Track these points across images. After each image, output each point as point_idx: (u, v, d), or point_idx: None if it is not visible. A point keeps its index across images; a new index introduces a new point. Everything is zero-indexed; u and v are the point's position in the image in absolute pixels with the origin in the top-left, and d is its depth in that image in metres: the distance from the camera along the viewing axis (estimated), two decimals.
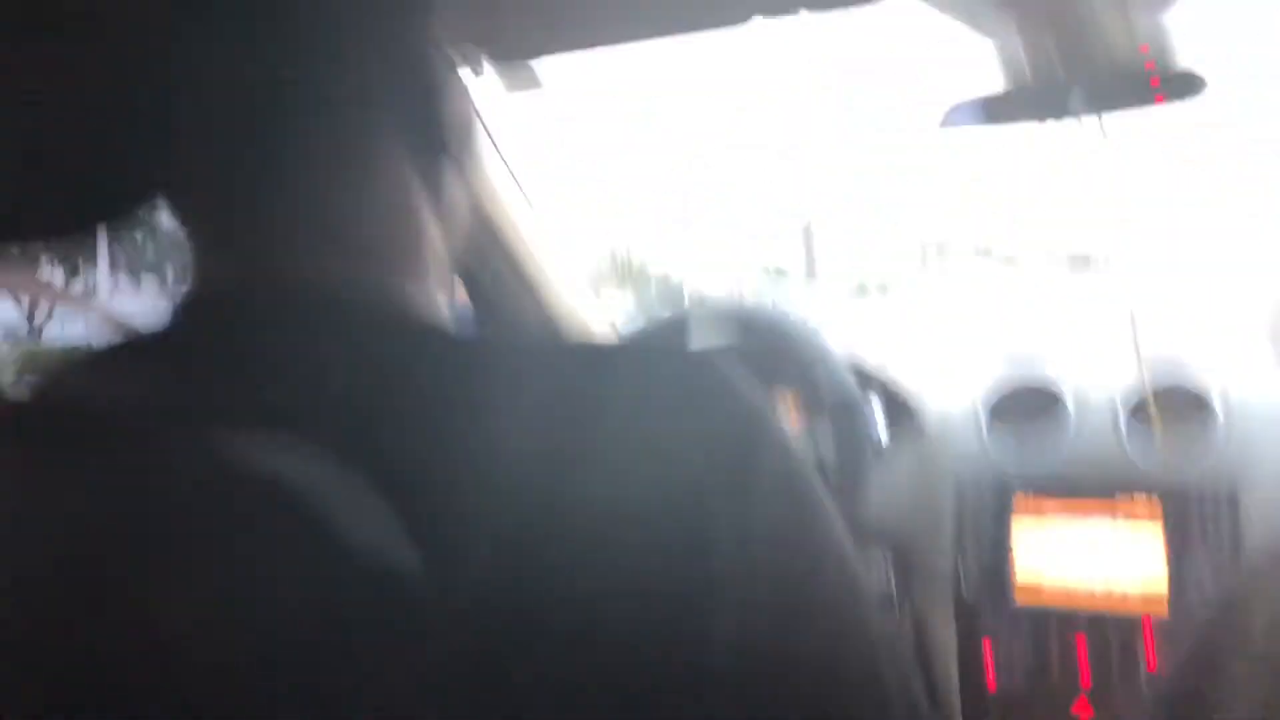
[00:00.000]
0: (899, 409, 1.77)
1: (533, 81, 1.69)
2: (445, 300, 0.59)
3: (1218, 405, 1.61)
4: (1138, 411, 1.64)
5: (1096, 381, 1.72)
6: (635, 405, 0.50)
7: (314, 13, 0.53)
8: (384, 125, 0.56)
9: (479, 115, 1.51)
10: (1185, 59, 1.15)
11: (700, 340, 1.55)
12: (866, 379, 1.61)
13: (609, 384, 0.51)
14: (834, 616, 0.51)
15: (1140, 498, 1.57)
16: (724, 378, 0.53)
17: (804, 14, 1.13)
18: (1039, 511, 1.64)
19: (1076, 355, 1.92)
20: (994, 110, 1.27)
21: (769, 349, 1.52)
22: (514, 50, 1.36)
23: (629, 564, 0.46)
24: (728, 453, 0.50)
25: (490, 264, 1.58)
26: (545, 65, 1.48)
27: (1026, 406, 1.74)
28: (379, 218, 0.55)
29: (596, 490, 0.47)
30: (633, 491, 0.48)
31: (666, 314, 1.67)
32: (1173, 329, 1.73)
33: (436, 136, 0.59)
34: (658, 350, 0.56)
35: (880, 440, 1.71)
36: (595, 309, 1.81)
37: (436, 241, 0.59)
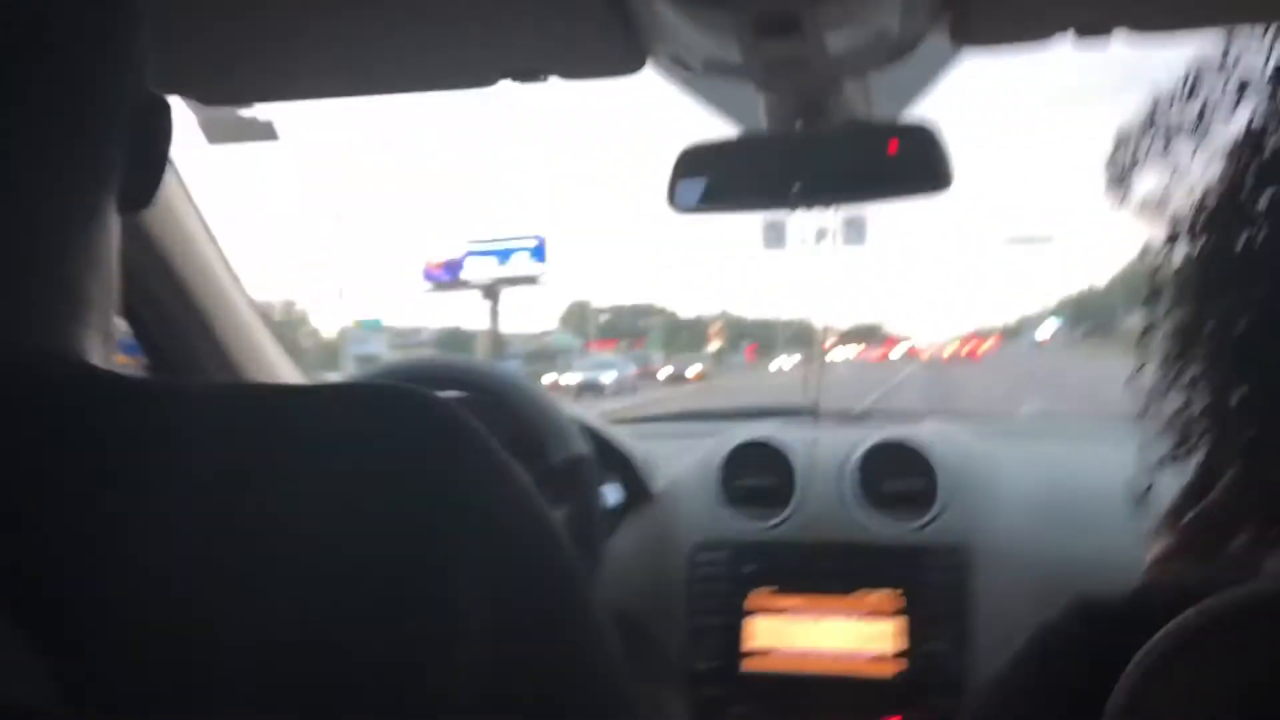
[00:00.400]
0: (628, 471, 1.76)
1: (253, 131, 1.61)
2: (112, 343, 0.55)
3: (936, 465, 1.72)
4: (862, 472, 1.73)
5: (821, 443, 1.80)
6: (368, 439, 0.50)
7: (33, 48, 0.49)
8: (92, 165, 0.52)
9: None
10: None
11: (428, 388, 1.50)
12: (593, 438, 1.61)
13: (336, 418, 0.50)
14: (573, 653, 0.54)
15: (881, 593, 1.62)
16: (455, 415, 0.53)
17: (553, 80, 1.14)
18: (775, 606, 1.66)
19: (800, 420, 2.02)
20: (721, 192, 1.27)
21: (501, 401, 1.49)
22: (236, 95, 1.29)
23: (359, 611, 0.45)
24: (466, 492, 0.51)
25: (169, 307, 1.46)
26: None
27: (756, 471, 1.78)
28: (70, 260, 0.51)
29: (329, 527, 0.46)
30: (365, 532, 0.47)
31: (383, 365, 1.63)
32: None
33: (141, 180, 0.56)
34: (387, 386, 0.55)
35: (609, 502, 1.70)
36: (287, 362, 1.72)
37: (114, 283, 0.56)
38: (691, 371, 49.35)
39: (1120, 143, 0.56)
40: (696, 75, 1.13)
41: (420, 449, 0.51)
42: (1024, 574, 1.57)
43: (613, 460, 1.73)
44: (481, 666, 0.47)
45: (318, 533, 0.46)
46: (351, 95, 1.29)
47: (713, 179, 1.25)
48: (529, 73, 1.13)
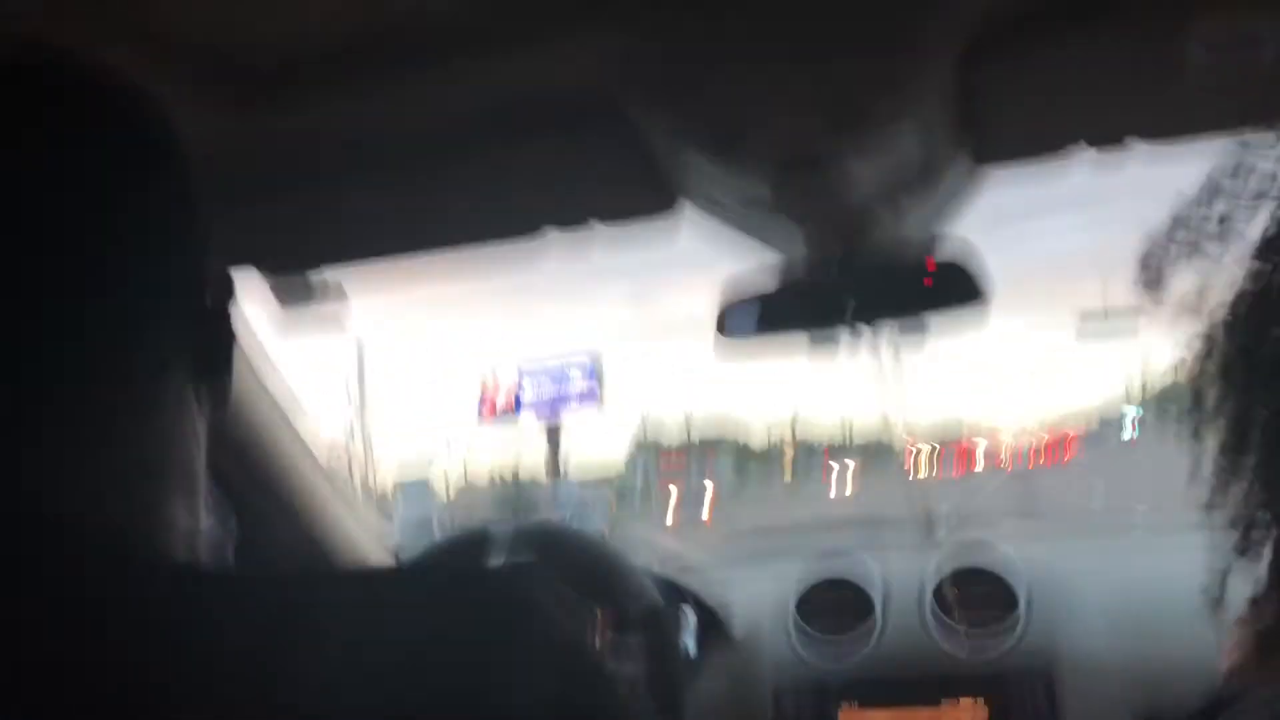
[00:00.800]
0: (707, 618, 1.75)
1: (311, 293, 1.69)
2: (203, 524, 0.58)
3: (1016, 583, 1.69)
4: (941, 597, 1.70)
5: (898, 568, 1.78)
6: (452, 627, 0.50)
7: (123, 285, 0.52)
8: (173, 364, 0.55)
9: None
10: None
11: (496, 558, 1.52)
12: (670, 589, 1.62)
13: (419, 605, 0.51)
14: None
15: (965, 701, 1.60)
16: (538, 598, 0.53)
17: (596, 225, 1.20)
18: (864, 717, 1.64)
19: (877, 544, 2.00)
20: (771, 318, 1.31)
21: (570, 563, 1.51)
22: (298, 261, 1.36)
23: None
24: (547, 679, 0.50)
25: (259, 485, 1.52)
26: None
27: (834, 603, 1.76)
28: (159, 446, 0.54)
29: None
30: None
31: (457, 533, 1.64)
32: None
33: (214, 364, 0.59)
34: (467, 570, 0.56)
35: (690, 652, 1.69)
36: (372, 527, 1.76)
37: (201, 464, 0.58)
38: None
39: (1151, 244, 0.58)
40: (731, 212, 1.18)
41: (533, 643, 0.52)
42: (1113, 691, 1.54)
43: (690, 607, 1.73)
44: None
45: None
46: (408, 254, 1.36)
47: (762, 307, 1.29)
48: (573, 221, 1.19)
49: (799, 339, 1.33)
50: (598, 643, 1.42)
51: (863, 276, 1.26)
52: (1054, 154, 1.07)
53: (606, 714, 0.53)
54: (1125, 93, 0.97)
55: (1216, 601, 0.80)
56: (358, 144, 1.04)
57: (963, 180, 1.25)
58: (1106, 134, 1.03)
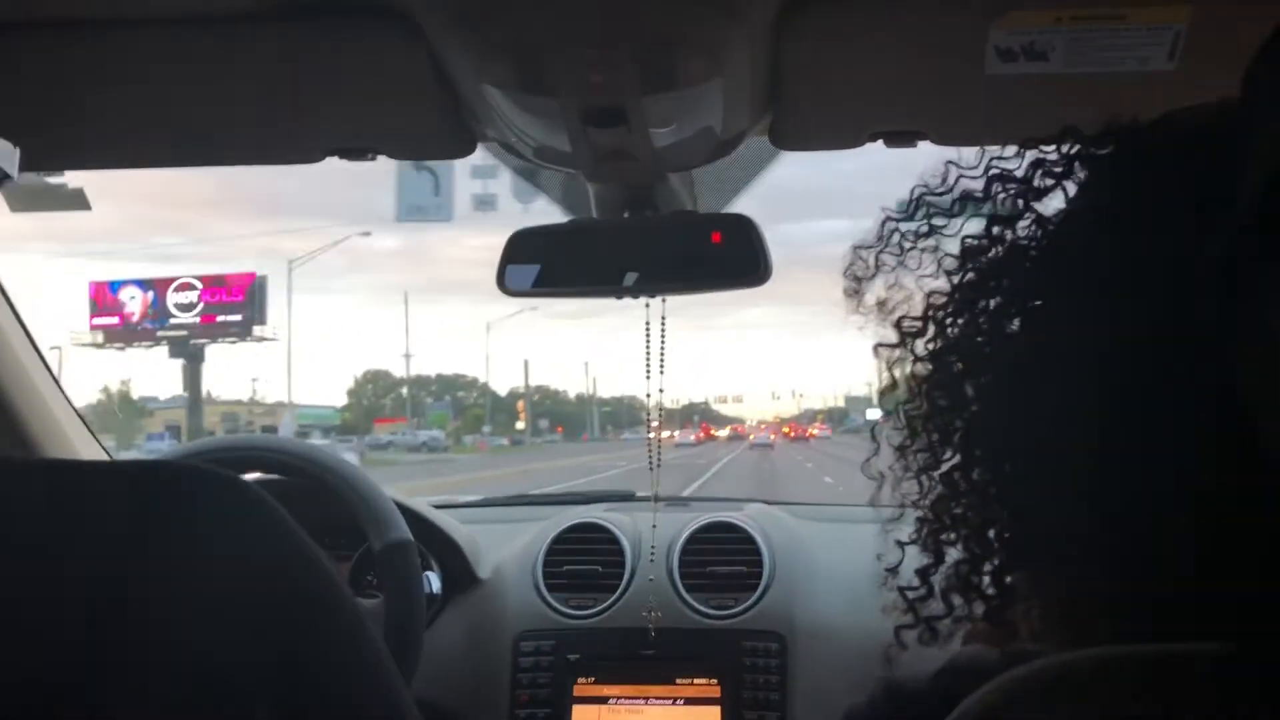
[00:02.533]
0: (452, 556, 1.73)
1: (62, 199, 1.55)
2: None
3: (760, 543, 1.75)
4: (691, 553, 1.74)
5: (651, 521, 1.81)
6: (176, 522, 0.51)
7: None
8: None
9: None
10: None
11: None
12: (416, 522, 1.58)
13: (144, 498, 0.52)
14: None
15: (700, 681, 1.64)
16: (261, 503, 0.55)
17: (375, 159, 1.14)
18: (599, 695, 1.65)
19: (629, 498, 2.03)
20: (552, 276, 1.27)
21: (310, 487, 1.45)
22: (53, 160, 1.24)
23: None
24: (261, 579, 0.52)
25: None
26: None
27: (584, 554, 1.77)
28: None
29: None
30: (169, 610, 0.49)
31: (197, 444, 1.57)
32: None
33: None
34: (194, 469, 0.55)
35: (430, 589, 1.67)
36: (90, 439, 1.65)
37: None
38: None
39: (856, 253, 0.61)
40: (527, 161, 1.15)
41: (225, 536, 0.52)
42: (839, 656, 1.61)
43: (437, 545, 1.70)
44: None
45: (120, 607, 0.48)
46: (176, 165, 1.26)
47: (545, 264, 1.27)
48: (357, 151, 1.12)
49: (575, 295, 1.32)
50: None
51: (646, 241, 1.26)
52: (849, 145, 1.09)
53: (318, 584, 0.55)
54: (924, 90, 1.00)
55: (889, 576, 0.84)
56: (124, 48, 0.94)
57: (760, 160, 1.26)
58: (898, 132, 1.06)
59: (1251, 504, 0.43)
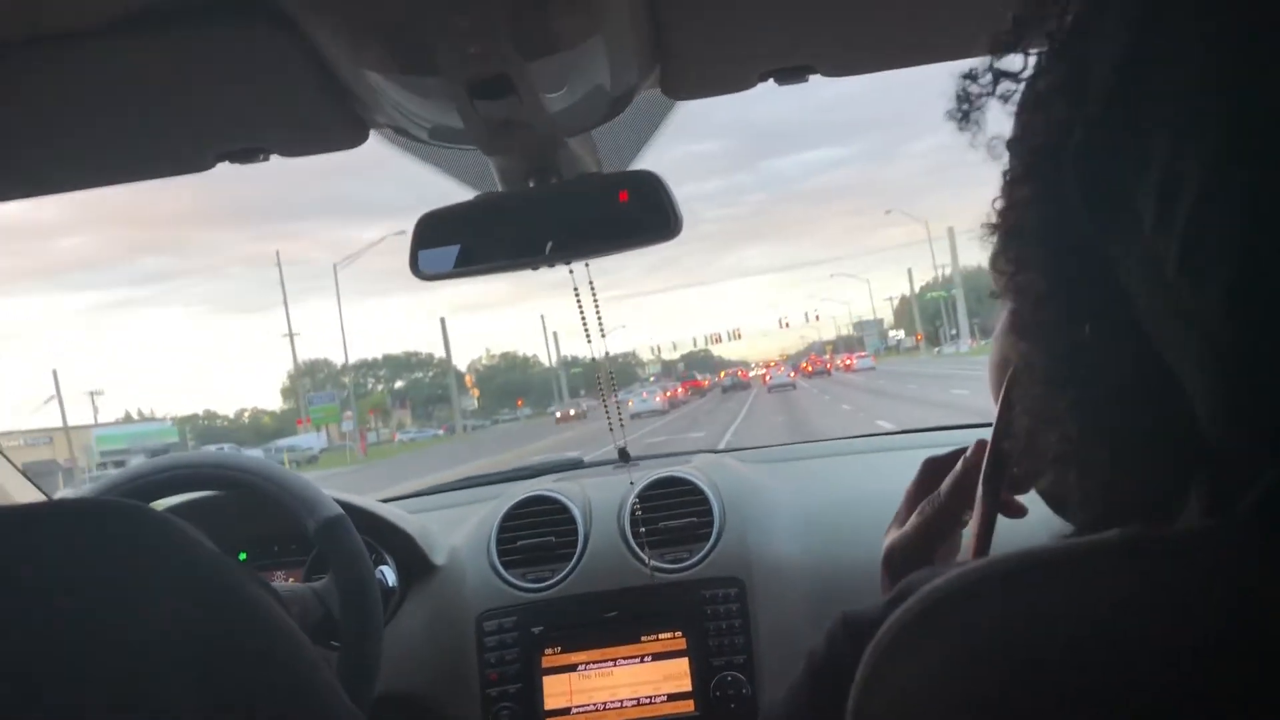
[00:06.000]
0: (405, 547, 1.72)
1: None
2: None
3: (709, 493, 1.76)
4: (642, 511, 1.75)
5: (600, 484, 1.81)
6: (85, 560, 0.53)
7: None
8: None
9: None
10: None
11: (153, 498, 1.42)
12: (363, 518, 1.56)
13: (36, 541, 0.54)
14: None
15: (664, 635, 1.65)
16: (168, 533, 0.58)
17: (267, 159, 1.12)
18: (567, 663, 1.66)
19: (573, 465, 2.03)
20: (465, 254, 1.26)
21: (234, 495, 1.43)
22: None
23: None
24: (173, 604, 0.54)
25: None
26: None
27: (539, 523, 1.78)
28: None
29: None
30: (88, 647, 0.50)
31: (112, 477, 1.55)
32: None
33: None
34: (101, 505, 0.57)
35: (387, 584, 1.66)
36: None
37: None
38: None
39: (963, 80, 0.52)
40: (423, 143, 1.14)
41: (128, 564, 0.55)
42: (798, 593, 1.64)
43: (387, 538, 1.69)
44: None
45: (44, 648, 0.50)
46: (57, 190, 1.23)
47: (461, 244, 1.26)
48: (247, 153, 1.10)
49: (494, 271, 1.30)
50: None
51: (556, 208, 1.25)
52: (741, 87, 1.09)
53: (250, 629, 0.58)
54: (808, 21, 1.00)
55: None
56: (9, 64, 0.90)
57: (657, 113, 1.25)
58: (786, 70, 1.06)
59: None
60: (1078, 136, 0.43)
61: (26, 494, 1.61)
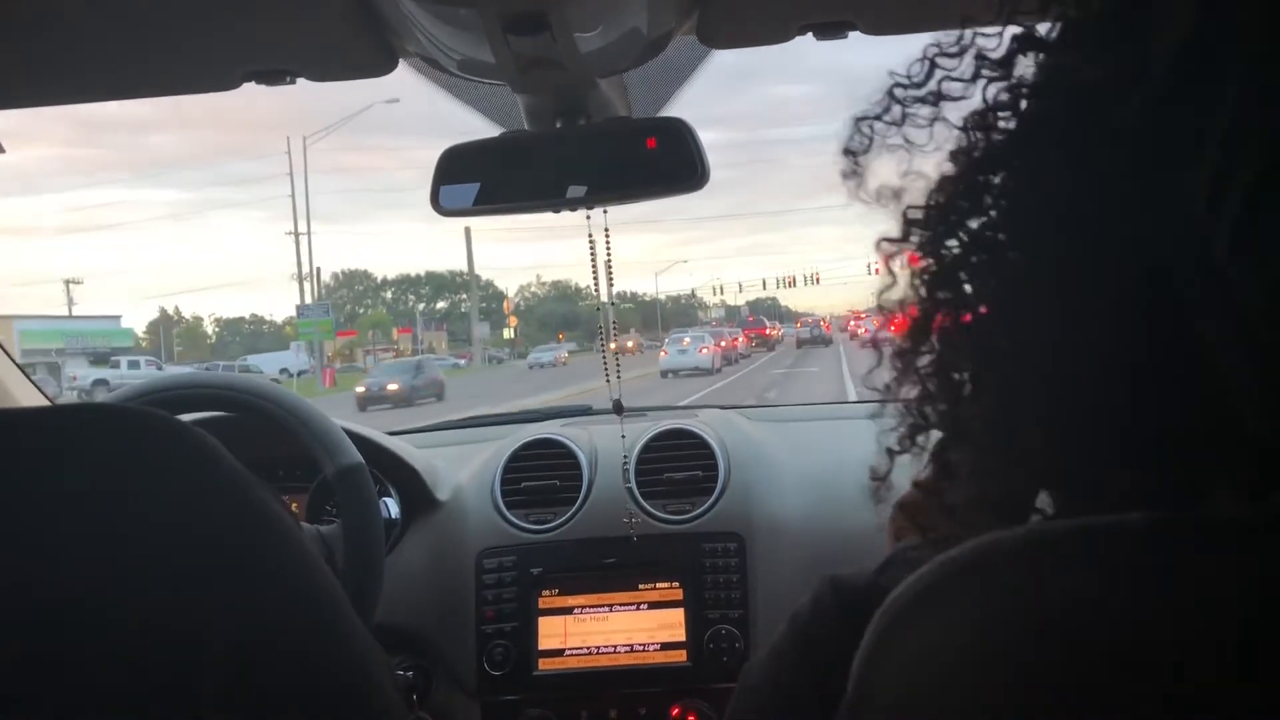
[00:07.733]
0: (409, 481, 1.72)
1: None
2: None
3: (715, 447, 1.76)
4: (647, 461, 1.75)
5: (608, 431, 1.81)
6: (114, 465, 0.53)
7: None
8: None
9: None
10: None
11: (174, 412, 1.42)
12: (370, 449, 1.57)
13: (66, 442, 0.53)
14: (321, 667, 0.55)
15: (662, 585, 1.66)
16: (200, 444, 0.56)
17: (294, 82, 1.10)
18: (563, 606, 1.67)
19: (583, 412, 2.03)
20: (486, 193, 1.25)
21: (257, 421, 1.43)
22: None
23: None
24: (205, 522, 0.53)
25: None
26: None
27: (543, 466, 1.78)
28: None
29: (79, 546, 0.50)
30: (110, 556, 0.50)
31: (142, 385, 1.54)
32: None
33: None
34: (129, 411, 0.56)
35: (389, 515, 1.66)
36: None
37: None
38: None
39: (856, 127, 0.54)
40: (451, 76, 1.12)
41: (164, 478, 0.54)
42: (796, 551, 1.64)
43: (392, 471, 1.69)
44: (229, 691, 0.46)
45: (70, 553, 0.50)
46: (85, 100, 1.22)
47: (482, 181, 1.24)
48: (275, 74, 1.09)
49: (515, 211, 1.29)
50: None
51: (581, 151, 1.24)
52: (779, 39, 1.07)
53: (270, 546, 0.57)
54: None
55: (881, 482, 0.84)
56: None
57: (690, 61, 1.23)
58: (828, 24, 1.04)
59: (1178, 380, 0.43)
60: (1132, 110, 0.42)
61: (28, 395, 1.61)
